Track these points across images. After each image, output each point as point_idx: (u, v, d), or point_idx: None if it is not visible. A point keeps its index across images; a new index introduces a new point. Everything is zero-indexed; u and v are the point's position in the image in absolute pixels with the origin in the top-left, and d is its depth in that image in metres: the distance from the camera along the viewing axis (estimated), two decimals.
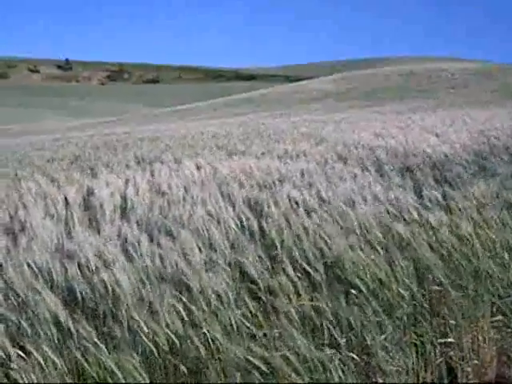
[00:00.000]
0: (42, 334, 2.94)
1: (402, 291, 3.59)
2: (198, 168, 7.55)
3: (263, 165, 7.36)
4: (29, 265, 3.44)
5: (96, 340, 2.87)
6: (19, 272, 3.34)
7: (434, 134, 11.63)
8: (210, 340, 3.03)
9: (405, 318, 3.54)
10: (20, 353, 2.81)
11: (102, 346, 2.86)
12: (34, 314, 3.00)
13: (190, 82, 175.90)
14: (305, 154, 8.94)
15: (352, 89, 54.28)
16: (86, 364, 2.83)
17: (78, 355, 2.84)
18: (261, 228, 4.33)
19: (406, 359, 3.44)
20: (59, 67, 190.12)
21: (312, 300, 3.39)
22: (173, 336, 3.01)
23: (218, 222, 4.38)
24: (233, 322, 3.17)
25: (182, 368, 3.01)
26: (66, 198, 5.87)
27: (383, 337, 3.34)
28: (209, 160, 8.52)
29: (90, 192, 6.12)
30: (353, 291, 3.52)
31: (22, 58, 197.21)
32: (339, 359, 3.03)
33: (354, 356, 3.20)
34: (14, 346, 2.84)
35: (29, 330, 2.95)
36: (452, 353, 3.71)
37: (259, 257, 3.77)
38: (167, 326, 3.02)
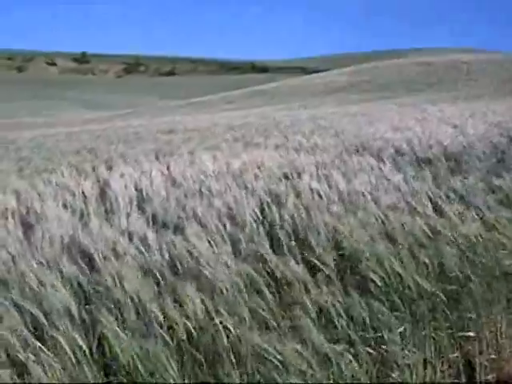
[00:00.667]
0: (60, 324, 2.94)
1: (422, 284, 3.56)
2: (215, 160, 7.52)
3: (286, 157, 7.33)
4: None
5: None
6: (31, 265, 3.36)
7: (451, 125, 11.51)
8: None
9: (426, 311, 3.51)
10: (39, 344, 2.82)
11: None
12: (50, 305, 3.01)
13: (206, 74, 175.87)
14: (323, 147, 8.89)
15: (367, 81, 53.85)
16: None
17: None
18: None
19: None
20: (76, 60, 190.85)
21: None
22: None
23: (235, 216, 4.36)
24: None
25: (199, 357, 3.00)
26: (83, 191, 5.91)
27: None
28: (226, 153, 8.48)
29: (107, 184, 6.14)
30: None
31: (39, 52, 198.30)
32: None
33: None
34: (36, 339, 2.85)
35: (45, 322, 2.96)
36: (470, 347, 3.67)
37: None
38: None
